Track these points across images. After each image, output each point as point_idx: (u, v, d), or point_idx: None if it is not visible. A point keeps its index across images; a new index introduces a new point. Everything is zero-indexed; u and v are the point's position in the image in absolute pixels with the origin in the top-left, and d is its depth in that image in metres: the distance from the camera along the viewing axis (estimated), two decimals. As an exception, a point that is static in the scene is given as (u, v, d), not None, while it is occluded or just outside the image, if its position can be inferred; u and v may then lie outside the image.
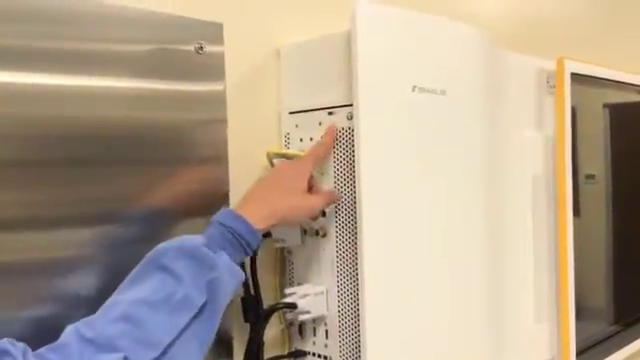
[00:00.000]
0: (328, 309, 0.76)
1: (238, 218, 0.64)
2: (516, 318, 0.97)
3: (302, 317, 0.74)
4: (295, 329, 0.80)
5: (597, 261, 1.18)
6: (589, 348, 1.07)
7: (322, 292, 0.75)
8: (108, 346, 0.54)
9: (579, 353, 1.01)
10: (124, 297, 0.58)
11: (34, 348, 0.54)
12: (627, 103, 1.31)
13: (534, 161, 1.01)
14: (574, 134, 1.02)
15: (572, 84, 1.02)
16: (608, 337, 1.15)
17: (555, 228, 1.00)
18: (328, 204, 0.74)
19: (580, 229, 1.01)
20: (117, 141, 0.67)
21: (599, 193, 1.20)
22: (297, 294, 0.75)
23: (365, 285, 0.71)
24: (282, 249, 0.81)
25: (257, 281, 0.75)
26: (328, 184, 0.75)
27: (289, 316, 0.78)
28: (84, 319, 0.57)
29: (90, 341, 0.54)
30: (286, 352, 0.80)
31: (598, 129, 1.19)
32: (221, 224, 0.63)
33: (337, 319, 0.75)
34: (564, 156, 1.00)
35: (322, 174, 0.76)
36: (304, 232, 0.77)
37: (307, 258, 0.78)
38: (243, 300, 0.74)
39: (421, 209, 0.78)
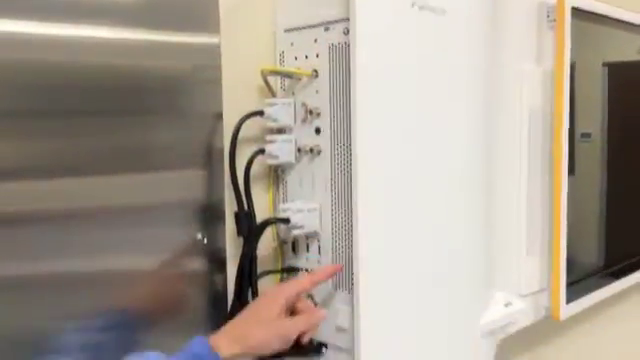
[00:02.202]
0: (321, 225, 0.76)
1: (204, 345, 0.65)
2: (508, 250, 0.98)
3: (295, 232, 0.75)
4: (288, 246, 0.80)
5: (589, 216, 1.19)
6: (579, 281, 1.08)
7: (316, 208, 0.76)
8: None
9: (569, 284, 1.03)
10: None
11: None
12: (626, 62, 1.30)
13: (532, 95, 1.01)
14: (572, 92, 1.01)
15: (573, 20, 1.01)
16: (597, 273, 1.16)
17: (550, 161, 1.00)
18: (308, 327, 0.73)
19: (574, 187, 1.02)
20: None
21: (594, 152, 1.21)
22: (291, 210, 0.75)
23: (358, 202, 0.72)
24: (276, 168, 0.81)
25: (250, 195, 0.75)
26: (323, 103, 0.75)
27: (282, 229, 0.79)
28: None
29: None
30: (279, 268, 0.81)
31: (596, 88, 1.18)
32: (188, 349, 0.65)
33: (330, 235, 0.76)
34: (562, 90, 0.99)
35: (317, 92, 0.75)
36: (298, 150, 0.77)
37: (301, 176, 0.78)
38: (236, 215, 0.75)
39: (416, 130, 0.77)
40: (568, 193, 1.01)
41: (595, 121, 1.19)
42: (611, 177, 1.21)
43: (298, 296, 0.73)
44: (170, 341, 0.71)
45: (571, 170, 1.03)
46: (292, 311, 0.73)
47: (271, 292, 0.72)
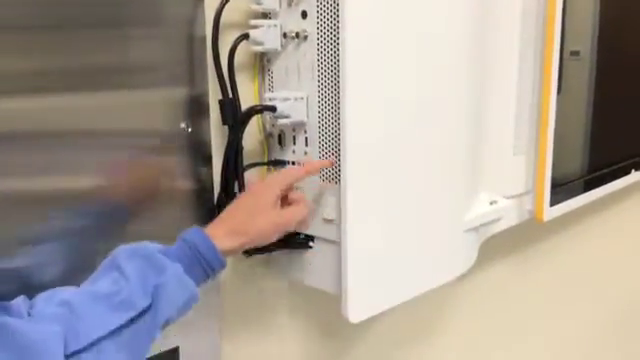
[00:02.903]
0: (308, 115, 0.74)
1: (202, 236, 0.62)
2: (495, 149, 0.98)
3: (282, 121, 0.73)
4: (274, 139, 0.79)
5: (576, 124, 1.19)
6: (563, 184, 1.09)
7: (302, 97, 0.73)
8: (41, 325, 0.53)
9: (554, 187, 1.04)
10: (78, 288, 0.58)
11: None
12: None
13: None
14: (563, 9, 0.98)
15: None
16: (581, 178, 1.18)
17: (541, 64, 0.98)
18: (304, 216, 0.71)
19: (562, 104, 1.01)
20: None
21: (582, 69, 1.19)
22: (277, 99, 0.73)
23: (346, 90, 0.70)
24: (261, 57, 0.78)
25: (235, 83, 0.73)
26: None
27: (268, 121, 0.77)
28: (35, 297, 0.57)
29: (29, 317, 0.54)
30: (266, 161, 0.80)
31: (587, 4, 1.15)
32: (184, 240, 0.63)
33: (317, 125, 0.74)
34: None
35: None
36: (284, 36, 0.74)
37: (287, 65, 0.75)
38: (221, 102, 0.73)
39: (407, 25, 0.75)
40: (556, 104, 1.00)
41: (585, 39, 1.17)
42: (598, 92, 1.20)
43: (291, 186, 0.72)
44: (158, 232, 0.71)
45: (559, 89, 1.03)
46: (284, 201, 0.72)
47: (266, 181, 0.71)
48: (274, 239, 0.70)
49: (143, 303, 0.57)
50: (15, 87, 0.60)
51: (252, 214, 0.67)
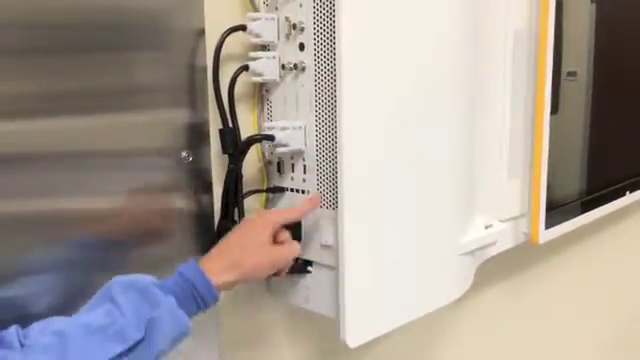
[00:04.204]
0: (306, 144, 0.76)
1: (197, 270, 0.64)
2: (490, 172, 0.99)
3: (280, 150, 0.75)
4: (273, 167, 0.81)
5: (571, 146, 1.20)
6: (558, 207, 1.11)
7: (300, 127, 0.75)
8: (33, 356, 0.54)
9: (549, 209, 1.05)
10: (70, 318, 0.59)
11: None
12: (615, -1, 1.29)
13: (517, 16, 1.00)
14: (559, 31, 1.00)
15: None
16: (577, 200, 1.19)
17: (534, 86, 1.00)
18: (292, 255, 0.73)
19: (558, 125, 1.02)
20: None
21: (579, 90, 1.21)
22: (276, 128, 0.75)
23: (343, 119, 0.72)
24: (260, 87, 0.80)
25: (235, 112, 0.75)
26: (307, 17, 0.73)
27: (267, 149, 0.79)
28: (29, 326, 0.57)
29: (21, 347, 0.55)
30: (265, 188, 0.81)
31: (584, 26, 1.18)
32: (180, 274, 0.64)
33: (315, 153, 0.76)
34: (547, 14, 0.99)
35: (300, 5, 0.74)
36: (282, 67, 0.76)
37: (285, 95, 0.78)
38: (221, 131, 0.75)
39: (401, 49, 0.77)
40: (551, 128, 1.02)
41: (581, 60, 1.19)
42: (595, 113, 1.22)
43: (283, 225, 0.73)
44: (158, 261, 0.72)
45: (555, 109, 1.04)
46: (273, 240, 0.73)
47: (260, 218, 0.72)
48: (267, 274, 0.71)
49: (137, 336, 0.58)
50: (20, 109, 0.62)
51: (247, 249, 0.68)
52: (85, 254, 0.68)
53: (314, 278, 0.79)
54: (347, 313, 0.74)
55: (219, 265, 0.66)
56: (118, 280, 0.61)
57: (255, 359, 0.90)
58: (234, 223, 0.77)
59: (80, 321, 0.58)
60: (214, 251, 0.69)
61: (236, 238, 0.70)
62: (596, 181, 1.24)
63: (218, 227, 0.78)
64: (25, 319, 0.58)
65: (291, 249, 0.73)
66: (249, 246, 0.68)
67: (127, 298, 0.59)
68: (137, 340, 0.57)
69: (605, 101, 1.24)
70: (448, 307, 0.91)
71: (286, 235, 0.74)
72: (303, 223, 0.78)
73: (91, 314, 0.59)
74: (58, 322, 0.58)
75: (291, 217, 0.74)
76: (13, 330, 0.56)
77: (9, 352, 0.53)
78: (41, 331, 0.56)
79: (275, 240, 0.72)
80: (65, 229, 0.66)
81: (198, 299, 0.63)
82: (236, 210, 0.77)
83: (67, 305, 0.64)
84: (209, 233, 0.78)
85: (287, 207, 0.80)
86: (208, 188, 0.78)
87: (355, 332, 0.76)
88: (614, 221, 1.54)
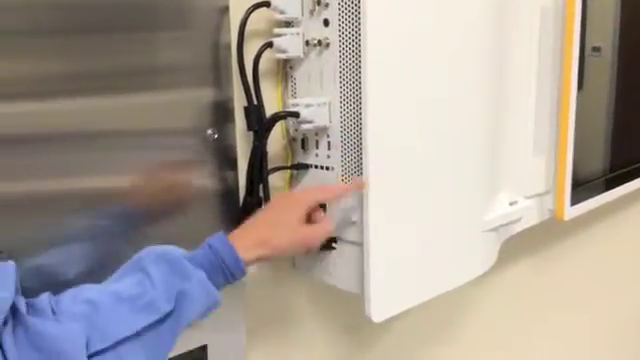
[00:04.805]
0: (331, 120, 0.76)
1: (227, 244, 0.64)
2: (515, 149, 0.98)
3: (305, 127, 0.75)
4: (298, 144, 0.81)
5: (596, 122, 1.18)
6: (584, 184, 1.10)
7: (325, 103, 0.75)
8: (65, 323, 0.55)
9: (574, 186, 1.04)
10: (101, 286, 0.60)
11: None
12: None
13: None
14: (584, 6, 0.98)
15: None
16: (603, 177, 1.18)
17: (560, 62, 0.99)
18: (324, 236, 0.72)
19: (582, 102, 1.01)
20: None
21: (604, 66, 1.19)
22: (300, 105, 0.75)
23: (368, 95, 0.71)
24: (284, 64, 0.80)
25: (259, 89, 0.75)
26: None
27: (292, 126, 0.79)
28: (61, 294, 0.58)
29: (53, 314, 0.56)
30: (289, 165, 0.82)
31: (609, 1, 1.15)
32: (209, 246, 0.64)
33: (339, 130, 0.76)
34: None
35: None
36: (306, 43, 0.76)
37: (309, 71, 0.77)
38: (246, 109, 0.75)
39: (428, 27, 0.76)
40: (576, 103, 1.00)
41: (606, 35, 1.16)
42: (619, 89, 1.20)
43: (317, 205, 0.73)
44: (185, 234, 0.73)
45: (579, 85, 1.03)
46: (308, 219, 0.72)
47: (294, 196, 0.72)
48: (295, 254, 0.71)
49: (167, 307, 0.59)
50: (50, 89, 0.62)
51: (277, 228, 0.68)
52: (115, 224, 0.69)
53: (339, 254, 0.80)
54: (372, 288, 0.75)
55: (248, 241, 0.66)
56: (149, 251, 0.62)
57: (279, 331, 0.91)
58: (259, 200, 0.78)
59: (111, 290, 0.59)
60: (245, 226, 0.69)
61: (268, 215, 0.71)
62: (620, 158, 1.23)
63: (243, 204, 0.79)
64: (53, 287, 0.60)
65: (324, 229, 0.72)
66: (281, 224, 0.69)
67: (158, 269, 0.60)
68: (167, 312, 0.59)
69: (630, 77, 1.22)
70: (472, 283, 0.91)
71: (321, 214, 0.74)
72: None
73: (122, 283, 0.60)
74: (89, 290, 0.59)
75: (326, 197, 0.74)
76: (45, 297, 0.57)
77: (41, 319, 0.54)
78: (72, 299, 0.58)
79: (309, 219, 0.72)
80: (97, 203, 0.67)
81: (227, 273, 0.63)
82: (261, 187, 0.77)
83: (95, 273, 0.65)
84: (234, 209, 0.79)
85: (315, 185, 0.80)
86: (233, 165, 0.78)
87: (380, 307, 0.77)
88: (638, 198, 1.52)
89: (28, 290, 0.57)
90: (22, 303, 0.54)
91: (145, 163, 0.71)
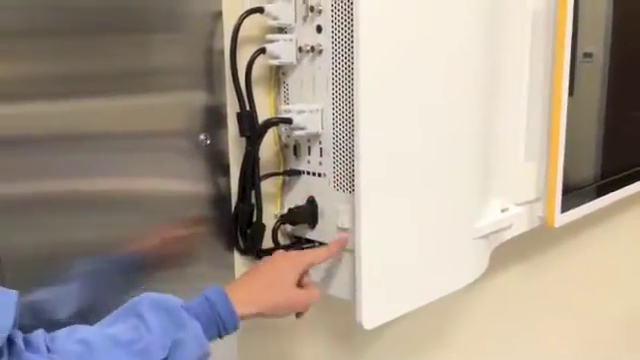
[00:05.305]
0: (323, 127, 0.76)
1: (223, 297, 0.64)
2: (506, 155, 0.99)
3: (297, 133, 0.75)
4: (290, 150, 0.81)
5: (587, 129, 1.19)
6: (574, 190, 1.10)
7: (317, 109, 0.75)
8: None
9: (564, 193, 1.04)
10: (95, 327, 0.60)
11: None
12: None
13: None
14: (576, 11, 0.99)
15: None
16: (593, 184, 1.18)
17: (552, 66, 0.99)
18: (313, 303, 0.73)
19: (573, 108, 1.01)
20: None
21: (595, 72, 1.19)
22: (292, 111, 0.75)
23: (360, 102, 0.71)
24: (277, 70, 0.80)
25: (252, 95, 0.75)
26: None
27: (284, 133, 0.79)
28: (55, 332, 0.58)
29: (48, 351, 0.55)
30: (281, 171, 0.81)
31: (600, 6, 1.16)
32: (207, 298, 0.64)
33: (332, 136, 0.76)
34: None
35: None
36: (299, 50, 0.76)
37: (302, 78, 0.78)
38: (238, 115, 0.75)
39: (419, 30, 0.76)
40: (567, 110, 1.01)
41: (598, 41, 1.17)
42: (611, 95, 1.21)
43: (308, 268, 0.74)
44: (176, 242, 0.73)
45: (570, 91, 1.03)
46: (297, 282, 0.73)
47: (291, 259, 0.73)
48: (284, 315, 0.72)
49: (161, 355, 0.59)
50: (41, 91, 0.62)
51: (273, 287, 0.70)
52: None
53: (331, 261, 0.80)
54: (363, 295, 0.75)
55: (244, 296, 0.67)
56: (147, 297, 0.62)
57: (270, 338, 0.91)
58: (251, 206, 0.78)
59: (106, 332, 0.59)
60: (241, 280, 0.71)
61: (264, 272, 0.71)
62: (611, 165, 1.23)
63: (235, 210, 0.79)
64: (46, 324, 0.59)
65: (311, 296, 0.73)
66: (275, 284, 0.70)
67: (155, 316, 0.60)
68: (161, 359, 0.59)
69: (621, 83, 1.23)
70: (463, 290, 0.91)
71: (309, 279, 0.75)
72: (319, 205, 0.78)
73: (117, 327, 0.60)
74: (83, 330, 0.59)
75: (319, 259, 0.75)
76: (40, 333, 0.57)
77: (36, 355, 0.54)
78: (67, 337, 0.57)
79: (298, 282, 0.73)
80: (83, 210, 0.67)
81: (220, 326, 0.64)
82: (253, 193, 0.77)
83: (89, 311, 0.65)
84: (226, 216, 0.79)
85: (306, 190, 0.80)
86: (225, 171, 0.78)
87: (371, 314, 0.76)
88: (629, 205, 1.53)
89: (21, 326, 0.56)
90: (20, 337, 0.54)
91: (136, 168, 0.70)
